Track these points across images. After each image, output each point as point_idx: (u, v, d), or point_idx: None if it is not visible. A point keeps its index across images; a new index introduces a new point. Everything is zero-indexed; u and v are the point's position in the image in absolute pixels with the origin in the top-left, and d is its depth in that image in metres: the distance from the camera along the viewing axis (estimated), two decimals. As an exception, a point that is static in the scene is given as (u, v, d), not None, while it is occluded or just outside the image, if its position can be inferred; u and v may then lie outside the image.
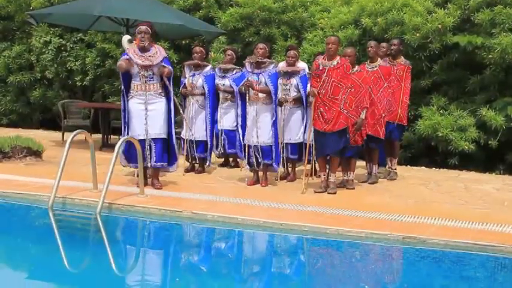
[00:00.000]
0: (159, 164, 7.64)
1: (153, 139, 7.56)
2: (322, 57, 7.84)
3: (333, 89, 7.60)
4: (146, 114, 7.51)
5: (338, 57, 7.69)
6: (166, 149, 7.72)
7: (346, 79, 7.62)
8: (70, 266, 5.40)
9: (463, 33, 10.49)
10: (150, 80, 7.55)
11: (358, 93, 7.79)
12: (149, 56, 7.51)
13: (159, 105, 7.57)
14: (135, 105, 7.58)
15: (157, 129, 7.55)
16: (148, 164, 7.61)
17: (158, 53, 7.59)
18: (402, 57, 8.91)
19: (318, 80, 7.67)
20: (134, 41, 7.69)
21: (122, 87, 7.92)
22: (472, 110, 10.40)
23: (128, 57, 7.55)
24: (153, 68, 7.52)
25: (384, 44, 8.86)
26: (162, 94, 7.61)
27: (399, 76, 8.69)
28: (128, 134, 7.60)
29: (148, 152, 7.55)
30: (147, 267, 5.66)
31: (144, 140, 7.53)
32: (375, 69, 8.44)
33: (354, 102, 7.72)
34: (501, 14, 10.05)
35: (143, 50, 7.54)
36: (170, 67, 7.61)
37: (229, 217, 6.45)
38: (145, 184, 7.59)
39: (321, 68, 7.67)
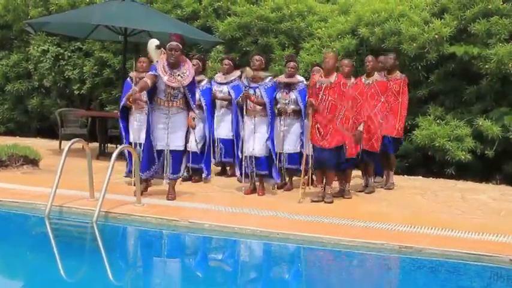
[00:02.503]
0: (174, 176, 7.57)
1: (171, 151, 7.51)
2: (319, 74, 7.84)
3: (330, 107, 7.60)
4: (168, 125, 7.44)
5: (335, 74, 7.69)
6: (183, 161, 7.67)
7: (342, 97, 7.63)
8: (66, 275, 5.39)
9: (460, 44, 10.53)
10: (174, 99, 7.44)
11: (354, 107, 7.81)
12: (178, 75, 7.35)
13: (181, 116, 7.49)
14: (158, 117, 7.48)
15: (177, 141, 7.50)
16: (164, 175, 7.59)
17: (188, 71, 7.42)
18: (398, 72, 8.92)
19: (316, 98, 7.65)
20: (162, 49, 7.52)
21: (122, 102, 7.93)
22: (469, 119, 10.43)
23: (154, 73, 7.37)
24: (180, 87, 7.42)
25: (381, 58, 8.86)
26: (184, 108, 7.52)
27: (396, 91, 8.72)
28: (146, 142, 7.56)
29: (165, 164, 7.52)
30: (143, 277, 5.65)
31: (163, 150, 7.49)
32: (372, 84, 8.46)
33: (350, 117, 7.74)
34: (497, 25, 10.10)
35: (173, 66, 7.37)
36: (195, 116, 7.56)
37: (226, 226, 6.45)
38: (143, 192, 7.62)
39: (318, 86, 7.68)
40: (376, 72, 8.59)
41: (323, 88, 7.63)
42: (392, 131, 8.72)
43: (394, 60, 8.89)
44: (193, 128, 7.59)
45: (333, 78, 7.64)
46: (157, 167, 7.59)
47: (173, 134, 7.47)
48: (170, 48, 7.33)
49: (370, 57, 8.69)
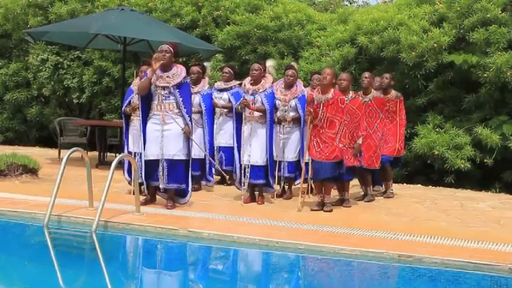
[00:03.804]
0: (170, 185, 7.53)
1: (166, 160, 7.49)
2: (316, 90, 7.84)
3: (329, 124, 7.62)
4: (162, 135, 7.45)
5: (332, 90, 7.69)
6: (183, 172, 7.60)
7: (341, 113, 7.64)
8: (65, 284, 5.38)
9: (459, 52, 10.57)
10: (166, 99, 7.46)
11: (353, 121, 7.81)
12: (167, 77, 7.43)
13: (175, 125, 7.48)
14: (151, 125, 7.52)
15: (172, 150, 7.47)
16: (160, 185, 7.56)
17: (178, 74, 7.48)
18: (393, 91, 8.88)
19: (315, 115, 7.66)
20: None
21: (124, 107, 7.96)
22: (468, 128, 10.45)
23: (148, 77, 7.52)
24: (170, 87, 7.44)
25: (377, 78, 8.86)
26: (179, 114, 7.51)
27: (393, 112, 8.72)
28: (143, 154, 7.56)
29: (161, 173, 7.52)
30: (143, 286, 5.64)
31: (158, 160, 7.49)
32: (369, 101, 8.46)
33: (349, 132, 7.74)
34: (496, 34, 10.14)
35: (164, 69, 7.47)
36: (189, 125, 7.49)
37: (225, 235, 6.43)
38: (148, 202, 7.66)
39: (315, 103, 7.68)
40: (373, 89, 8.59)
41: (321, 105, 7.64)
42: (392, 151, 8.74)
43: (389, 80, 8.84)
44: (186, 133, 7.50)
45: (330, 94, 7.65)
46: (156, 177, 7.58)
47: (168, 142, 7.46)
48: (161, 50, 7.45)
49: (366, 74, 8.70)
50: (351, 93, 7.99)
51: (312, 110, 7.64)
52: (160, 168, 7.49)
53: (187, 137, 7.53)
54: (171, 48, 7.48)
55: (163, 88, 7.45)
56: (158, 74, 7.44)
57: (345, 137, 7.69)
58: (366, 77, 8.58)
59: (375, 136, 8.44)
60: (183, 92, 7.51)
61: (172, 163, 7.50)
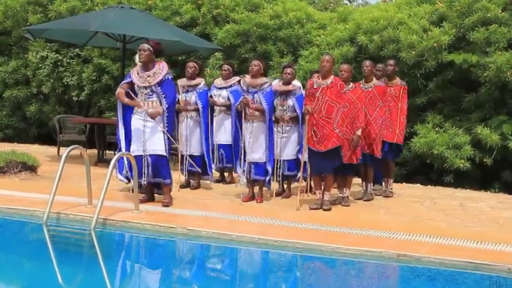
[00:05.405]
0: (156, 179, 7.57)
1: (150, 155, 7.51)
2: (316, 76, 7.87)
3: (327, 108, 7.61)
4: (145, 131, 7.48)
5: (332, 76, 7.71)
6: (167, 166, 7.64)
7: (339, 98, 7.64)
8: (64, 282, 5.37)
9: (459, 52, 10.56)
10: (149, 97, 7.50)
11: (352, 111, 7.80)
12: (148, 76, 7.44)
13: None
14: (135, 121, 7.56)
15: (154, 145, 7.49)
16: (145, 181, 7.57)
17: (159, 72, 7.49)
18: (398, 78, 8.92)
19: (312, 99, 7.69)
20: None
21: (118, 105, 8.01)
22: (467, 127, 10.44)
23: (128, 80, 7.59)
24: (151, 86, 7.47)
25: (379, 66, 8.85)
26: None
27: (395, 96, 8.71)
28: (129, 150, 7.59)
29: (145, 169, 7.52)
30: (141, 284, 5.64)
31: (142, 156, 7.51)
32: (370, 89, 8.46)
33: (347, 120, 7.73)
34: (496, 33, 10.13)
35: (145, 67, 7.50)
36: (160, 109, 7.47)
37: (224, 233, 6.43)
38: (147, 200, 7.66)
39: (315, 87, 7.70)
40: (374, 78, 8.59)
41: (320, 89, 7.64)
42: (392, 137, 8.71)
43: (393, 67, 8.88)
44: (153, 118, 7.43)
45: (330, 80, 7.66)
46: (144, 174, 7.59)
47: (151, 137, 7.48)
48: (139, 49, 7.49)
49: (367, 62, 8.68)
50: (351, 84, 8.00)
51: (309, 109, 7.64)
52: (145, 164, 7.51)
53: (161, 130, 7.49)
54: (150, 47, 7.48)
55: (145, 87, 7.48)
56: (139, 74, 7.48)
57: (343, 124, 7.67)
58: (367, 66, 8.58)
59: (374, 124, 8.42)
60: (165, 89, 7.52)
61: (157, 158, 7.52)
